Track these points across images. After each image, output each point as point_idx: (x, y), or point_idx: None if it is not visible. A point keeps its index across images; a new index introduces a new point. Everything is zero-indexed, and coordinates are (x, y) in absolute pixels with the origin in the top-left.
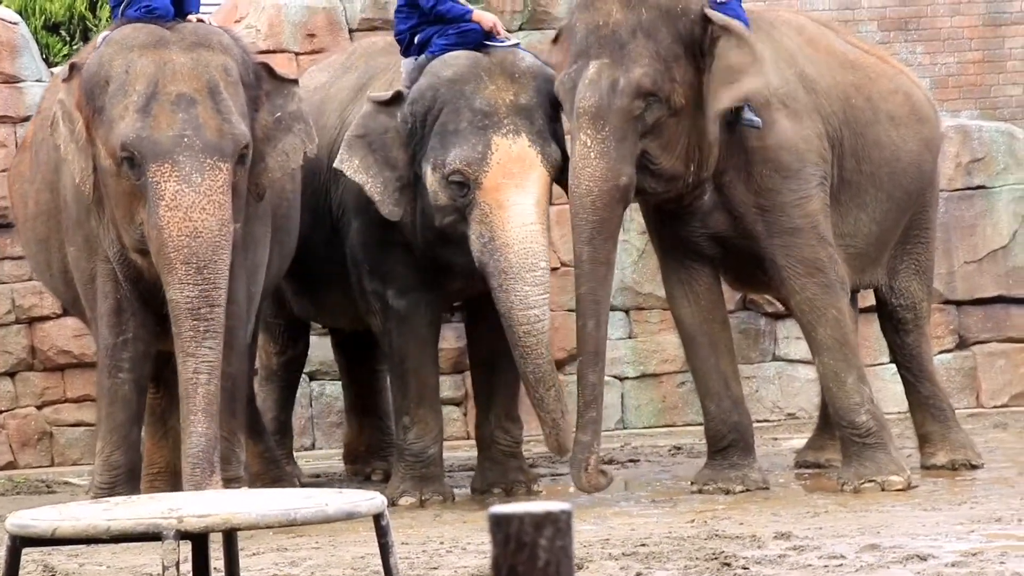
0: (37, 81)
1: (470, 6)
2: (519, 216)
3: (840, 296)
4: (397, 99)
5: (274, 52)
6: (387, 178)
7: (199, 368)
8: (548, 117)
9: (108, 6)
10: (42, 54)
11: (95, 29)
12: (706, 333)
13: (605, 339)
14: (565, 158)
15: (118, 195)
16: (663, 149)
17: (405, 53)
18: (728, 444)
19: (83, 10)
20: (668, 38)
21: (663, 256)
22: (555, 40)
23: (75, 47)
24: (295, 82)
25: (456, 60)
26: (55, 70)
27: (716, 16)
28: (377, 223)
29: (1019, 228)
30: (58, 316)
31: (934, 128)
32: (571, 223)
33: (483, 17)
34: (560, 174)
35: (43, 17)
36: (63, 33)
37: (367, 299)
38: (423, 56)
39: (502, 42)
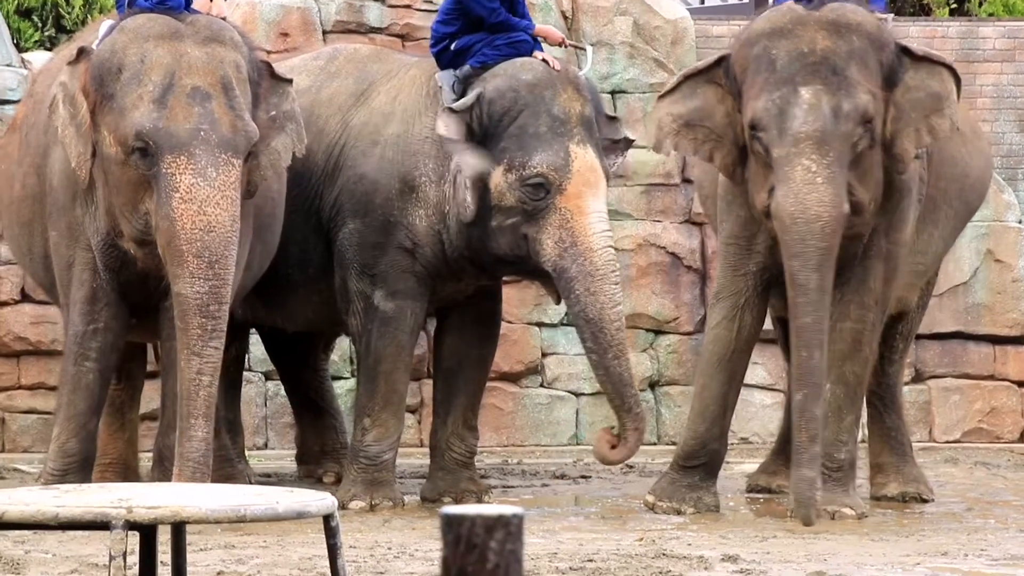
0: (7, 65)
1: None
2: (599, 223)
3: (877, 337)
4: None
5: None
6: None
7: (203, 369)
8: (598, 130)
9: None
10: (13, 39)
11: (67, 16)
12: (732, 363)
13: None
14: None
15: (122, 184)
16: (860, 181)
17: (438, 57)
18: (697, 465)
19: None
20: (876, 67)
21: (733, 274)
22: (710, 68)
23: (47, 33)
24: (290, 82)
25: (532, 66)
26: (25, 55)
27: (915, 49)
28: (377, 227)
29: (980, 265)
30: (16, 302)
31: (988, 145)
32: (791, 249)
33: (550, 32)
34: None
35: (16, 2)
36: (35, 19)
37: (349, 298)
38: (467, 67)
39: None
